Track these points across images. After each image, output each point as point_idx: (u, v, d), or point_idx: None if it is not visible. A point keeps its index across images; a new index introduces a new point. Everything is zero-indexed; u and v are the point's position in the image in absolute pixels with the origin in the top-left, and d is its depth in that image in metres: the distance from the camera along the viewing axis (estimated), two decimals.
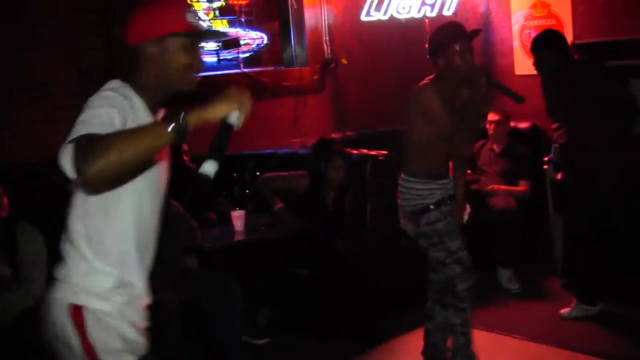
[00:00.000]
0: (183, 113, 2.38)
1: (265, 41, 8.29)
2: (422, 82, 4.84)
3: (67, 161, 2.30)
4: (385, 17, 8.24)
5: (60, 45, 6.54)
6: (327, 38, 8.50)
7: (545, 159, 6.94)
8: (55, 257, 2.75)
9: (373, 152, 6.66)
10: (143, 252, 2.78)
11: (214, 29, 2.33)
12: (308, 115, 8.29)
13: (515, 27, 8.21)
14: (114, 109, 2.51)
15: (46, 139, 6.02)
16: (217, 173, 2.41)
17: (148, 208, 2.79)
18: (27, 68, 6.37)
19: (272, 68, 8.33)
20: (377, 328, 6.13)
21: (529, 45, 7.08)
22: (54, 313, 2.66)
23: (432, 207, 4.80)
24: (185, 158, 6.46)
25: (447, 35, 4.78)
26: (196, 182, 2.41)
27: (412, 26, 8.22)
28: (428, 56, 4.86)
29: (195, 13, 2.80)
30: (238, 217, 5.80)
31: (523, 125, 7.78)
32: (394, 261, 6.34)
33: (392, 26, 8.30)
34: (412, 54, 8.06)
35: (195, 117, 2.41)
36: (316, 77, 8.36)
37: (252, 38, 8.19)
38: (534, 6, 8.00)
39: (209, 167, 2.40)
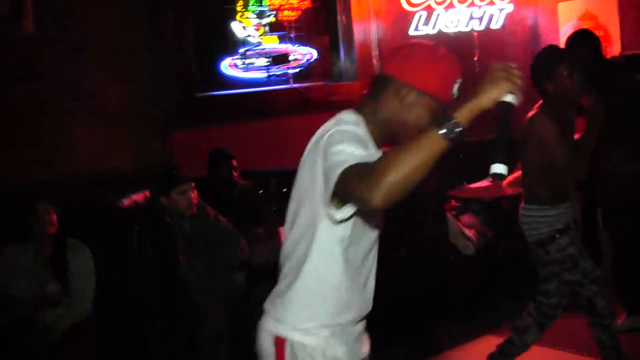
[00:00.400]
0: (447, 112, 2.24)
1: (315, 56, 8.33)
2: (532, 112, 4.73)
3: (345, 196, 2.35)
4: (434, 31, 8.27)
5: (116, 61, 6.67)
6: (377, 52, 8.53)
7: None
8: (102, 273, 2.83)
9: None
10: (356, 288, 2.75)
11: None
12: None
13: (563, 40, 8.17)
14: (362, 144, 2.47)
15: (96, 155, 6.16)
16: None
17: (365, 245, 2.75)
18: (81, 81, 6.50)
19: (321, 83, 8.37)
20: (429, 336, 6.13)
21: None
22: (262, 340, 2.75)
23: (559, 234, 4.72)
24: (235, 174, 6.52)
25: (553, 58, 4.72)
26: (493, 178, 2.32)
27: (461, 40, 8.25)
28: (533, 85, 4.72)
29: (460, 85, 2.68)
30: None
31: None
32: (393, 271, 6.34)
33: (441, 40, 8.32)
34: (462, 67, 8.07)
35: (467, 112, 2.24)
36: (366, 91, 8.39)
37: (302, 53, 8.25)
38: (582, 18, 8.00)
39: (500, 167, 2.26)
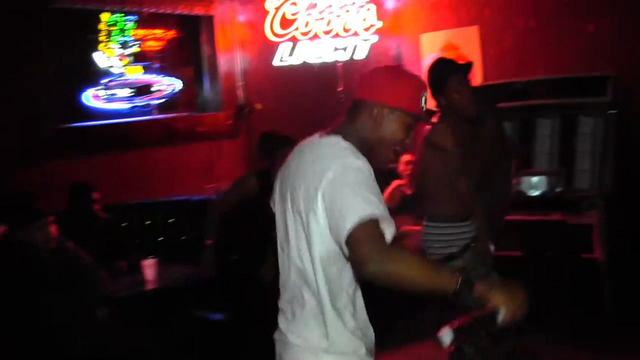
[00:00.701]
0: (468, 275, 2.45)
1: (179, 87, 8.26)
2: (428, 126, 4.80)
3: (358, 243, 2.47)
4: (299, 62, 8.31)
5: None
6: (242, 83, 8.51)
7: None
8: None
9: None
10: (356, 300, 2.87)
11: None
12: (223, 161, 8.28)
13: (426, 70, 8.32)
14: (374, 184, 2.63)
15: None
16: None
17: None
18: None
19: (186, 114, 8.31)
20: None
21: None
22: None
23: (456, 255, 4.67)
24: (96, 207, 6.39)
25: (443, 72, 4.77)
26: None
27: (325, 70, 8.31)
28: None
29: (426, 98, 2.88)
30: (149, 266, 5.70)
31: None
32: None
33: (306, 71, 8.36)
34: (326, 98, 8.16)
35: (482, 290, 2.46)
36: (230, 122, 8.37)
37: (166, 84, 8.17)
38: (444, 49, 8.15)
39: (446, 337, 2.54)
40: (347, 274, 2.76)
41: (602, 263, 6.25)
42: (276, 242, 2.92)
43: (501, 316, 2.47)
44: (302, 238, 2.77)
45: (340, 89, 8.35)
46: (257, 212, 6.08)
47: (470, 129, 4.81)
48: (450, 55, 8.06)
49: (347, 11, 8.40)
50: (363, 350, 2.81)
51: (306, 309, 2.78)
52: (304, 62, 8.33)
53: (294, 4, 8.34)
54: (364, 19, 8.42)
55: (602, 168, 6.50)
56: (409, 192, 7.66)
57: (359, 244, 2.46)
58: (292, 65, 8.32)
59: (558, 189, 6.54)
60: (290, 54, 8.33)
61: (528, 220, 6.48)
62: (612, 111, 6.50)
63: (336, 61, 8.37)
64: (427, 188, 4.87)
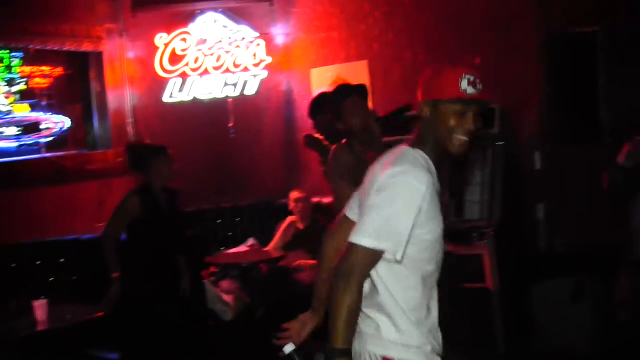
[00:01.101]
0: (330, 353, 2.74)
1: (68, 125, 8.12)
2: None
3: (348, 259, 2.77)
4: (189, 98, 8.30)
5: None
6: (132, 120, 8.44)
7: None
8: None
9: None
10: (434, 305, 3.02)
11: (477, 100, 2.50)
12: (113, 199, 8.15)
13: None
14: (417, 203, 2.77)
15: None
16: None
17: (436, 263, 3.02)
18: None
19: (75, 152, 8.18)
20: None
21: None
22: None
23: None
24: None
25: (336, 96, 4.82)
26: None
27: (216, 106, 8.33)
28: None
29: (470, 81, 2.94)
30: (40, 307, 5.57)
31: (327, 200, 7.92)
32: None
33: (196, 107, 8.36)
34: (217, 134, 8.17)
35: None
36: (120, 159, 8.28)
37: (55, 122, 8.02)
38: (335, 83, 8.19)
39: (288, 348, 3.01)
40: (413, 275, 2.89)
41: (494, 292, 6.38)
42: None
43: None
44: None
45: (231, 124, 8.38)
46: (150, 233, 6.06)
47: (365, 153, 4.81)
48: None
49: (237, 47, 8.47)
50: (429, 348, 2.94)
51: (377, 301, 2.92)
52: (195, 98, 8.34)
53: (184, 40, 8.35)
54: (254, 55, 8.49)
55: (491, 199, 6.62)
56: (302, 227, 7.75)
57: (349, 258, 2.77)
58: (182, 101, 8.32)
59: (449, 220, 6.65)
60: (181, 90, 8.33)
61: None
62: (499, 143, 6.63)
63: (227, 97, 8.41)
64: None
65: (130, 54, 8.45)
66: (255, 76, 8.46)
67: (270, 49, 8.62)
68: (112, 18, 8.33)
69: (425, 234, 2.85)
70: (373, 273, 2.89)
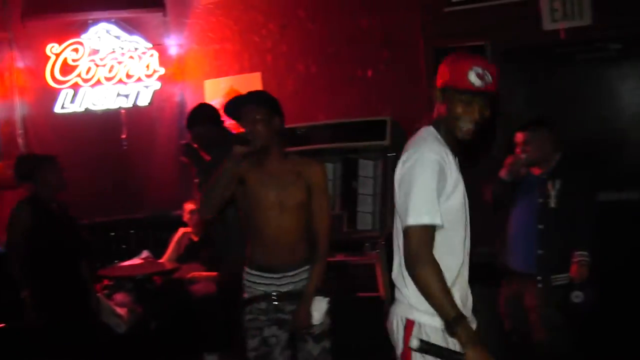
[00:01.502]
0: (460, 321, 3.02)
1: None
2: None
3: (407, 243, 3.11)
4: (81, 109, 8.21)
5: None
6: (22, 131, 8.29)
7: None
8: None
9: None
10: (464, 269, 3.40)
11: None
12: (4, 213, 8.00)
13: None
14: (436, 169, 3.14)
15: None
16: None
17: (465, 229, 3.38)
18: None
19: None
20: None
21: None
22: (392, 322, 3.40)
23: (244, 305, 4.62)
24: None
25: (235, 105, 4.77)
26: None
27: (109, 117, 8.26)
28: None
29: (478, 73, 3.19)
30: None
31: None
32: None
33: (89, 118, 8.27)
34: (110, 145, 8.09)
35: (462, 337, 3.02)
36: (10, 171, 8.12)
37: None
38: (228, 95, 8.23)
39: (414, 342, 3.05)
40: (445, 242, 3.22)
41: (386, 301, 6.46)
42: None
43: None
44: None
45: (124, 136, 8.31)
46: (48, 241, 5.97)
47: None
48: None
49: (130, 57, 8.40)
50: None
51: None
52: (87, 109, 8.24)
53: (76, 50, 8.25)
54: (147, 66, 8.44)
55: (382, 209, 6.72)
56: (196, 239, 7.74)
57: (409, 243, 3.09)
58: (74, 112, 8.21)
59: (341, 231, 6.72)
60: (72, 101, 8.22)
61: None
62: (390, 154, 6.71)
63: (120, 108, 8.33)
64: None
65: (20, 64, 8.31)
66: (147, 87, 8.41)
67: (164, 60, 8.58)
68: (1, 27, 8.20)
69: (452, 200, 3.22)
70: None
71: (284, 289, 4.56)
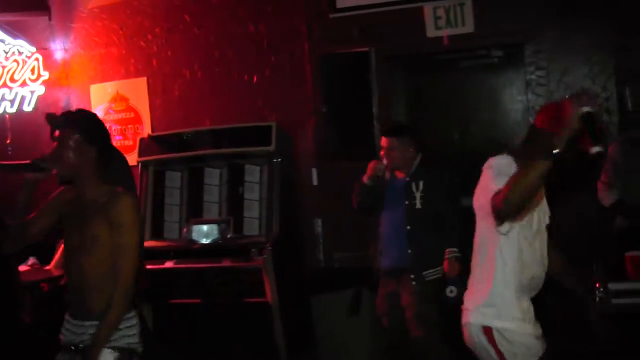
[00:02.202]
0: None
1: None
2: None
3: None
4: None
5: None
6: None
7: None
8: None
9: None
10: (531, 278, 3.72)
11: None
12: None
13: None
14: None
15: None
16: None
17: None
18: None
19: None
20: None
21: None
22: (472, 331, 3.71)
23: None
24: None
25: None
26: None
27: None
28: None
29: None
30: None
31: None
32: None
33: None
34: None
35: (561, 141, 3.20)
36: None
37: None
38: (113, 100, 8.20)
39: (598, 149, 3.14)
40: (501, 253, 3.63)
41: (274, 306, 6.49)
42: None
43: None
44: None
45: (8, 141, 8.17)
46: None
47: None
48: (119, 106, 8.14)
49: (15, 61, 8.25)
50: (528, 316, 3.69)
51: (484, 276, 3.71)
52: None
53: None
54: (32, 70, 8.29)
55: (269, 214, 6.75)
56: None
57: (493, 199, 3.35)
58: None
59: (228, 236, 6.73)
60: None
61: (200, 268, 6.61)
62: (276, 159, 6.76)
63: (4, 112, 8.18)
64: None
65: None
66: (32, 92, 8.27)
67: (49, 64, 8.45)
68: None
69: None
70: (497, 252, 3.62)
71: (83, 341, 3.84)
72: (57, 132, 3.92)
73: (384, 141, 5.78)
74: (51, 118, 4.04)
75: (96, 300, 3.79)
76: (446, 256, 5.54)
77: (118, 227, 3.74)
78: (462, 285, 5.17)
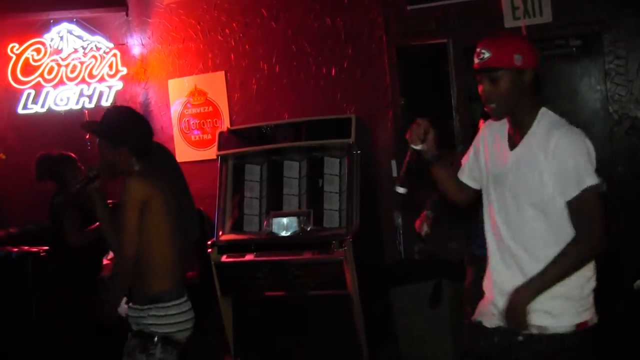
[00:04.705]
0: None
1: None
2: None
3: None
4: (44, 110, 8.16)
5: None
6: None
7: (209, 242, 6.97)
8: None
9: (34, 249, 6.54)
10: None
11: None
12: None
13: (175, 115, 8.41)
14: None
15: None
16: None
17: None
18: None
19: None
20: None
21: (188, 132, 7.38)
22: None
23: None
24: None
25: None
26: None
27: (72, 118, 8.19)
28: None
29: (476, 52, 3.40)
30: None
31: None
32: None
33: (51, 118, 8.22)
34: (74, 146, 8.01)
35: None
36: None
37: None
38: (192, 94, 8.27)
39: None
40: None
41: (354, 299, 6.49)
42: None
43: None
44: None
45: (87, 136, 8.27)
46: None
47: None
48: (198, 100, 8.21)
49: (93, 57, 8.35)
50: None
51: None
52: (50, 109, 8.19)
53: (37, 50, 8.19)
54: (110, 65, 8.40)
55: (349, 206, 6.72)
56: None
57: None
58: (37, 112, 8.16)
59: (308, 229, 6.74)
60: (35, 101, 8.16)
61: (280, 260, 6.64)
62: (355, 151, 6.75)
63: (83, 108, 8.29)
64: None
65: None
66: (110, 87, 8.38)
67: (127, 59, 8.57)
68: None
69: None
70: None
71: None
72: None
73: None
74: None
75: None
76: None
77: (120, 207, 4.07)
78: None
